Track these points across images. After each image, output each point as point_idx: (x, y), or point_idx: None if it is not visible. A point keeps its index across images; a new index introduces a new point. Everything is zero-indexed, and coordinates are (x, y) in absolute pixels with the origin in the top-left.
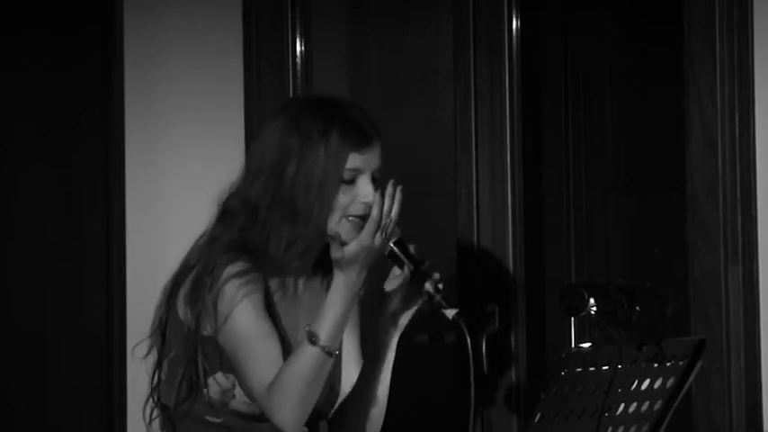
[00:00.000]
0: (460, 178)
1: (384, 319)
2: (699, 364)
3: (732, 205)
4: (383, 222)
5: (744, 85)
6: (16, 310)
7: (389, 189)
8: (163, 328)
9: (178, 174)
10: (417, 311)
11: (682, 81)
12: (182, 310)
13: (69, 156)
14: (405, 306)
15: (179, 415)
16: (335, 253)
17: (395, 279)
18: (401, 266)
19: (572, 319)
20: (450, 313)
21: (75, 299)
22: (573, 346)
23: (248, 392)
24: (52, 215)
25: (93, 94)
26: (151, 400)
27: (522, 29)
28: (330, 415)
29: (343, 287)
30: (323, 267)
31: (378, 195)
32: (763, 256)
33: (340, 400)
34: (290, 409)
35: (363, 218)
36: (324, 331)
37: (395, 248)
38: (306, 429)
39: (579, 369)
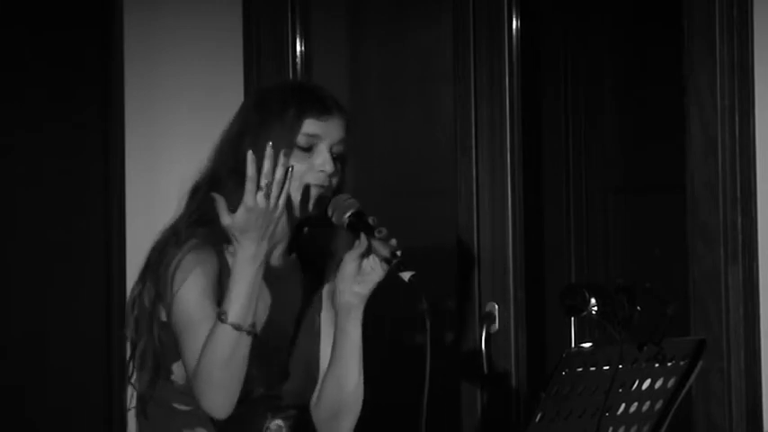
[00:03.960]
0: (460, 178)
1: (347, 291)
2: (699, 364)
3: (732, 205)
4: (265, 181)
5: (744, 85)
6: (16, 310)
7: (269, 150)
8: (136, 315)
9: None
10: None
11: (682, 81)
12: (146, 293)
13: (69, 156)
14: (366, 277)
15: (146, 400)
16: (224, 219)
17: (355, 249)
18: (359, 237)
19: (572, 319)
20: (407, 275)
21: (75, 299)
22: (573, 345)
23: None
24: (52, 215)
25: (93, 93)
26: (130, 388)
27: (522, 29)
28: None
29: (242, 260)
30: (300, 250)
31: (251, 154)
32: (763, 256)
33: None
34: (212, 393)
35: (323, 188)
36: (231, 308)
37: (352, 219)
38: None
39: (580, 369)
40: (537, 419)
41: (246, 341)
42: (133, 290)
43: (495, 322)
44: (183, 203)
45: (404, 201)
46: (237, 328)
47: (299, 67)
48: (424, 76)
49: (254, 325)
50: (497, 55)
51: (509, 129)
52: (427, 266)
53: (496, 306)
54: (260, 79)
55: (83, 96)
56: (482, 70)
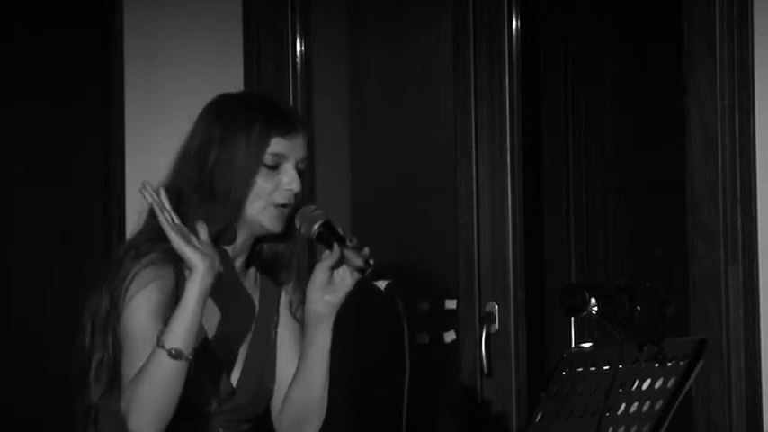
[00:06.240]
0: (460, 178)
1: (317, 301)
2: (699, 364)
3: (732, 205)
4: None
5: (744, 85)
6: (16, 310)
7: (148, 197)
8: (91, 325)
9: None
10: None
11: (682, 81)
12: (102, 304)
13: (69, 156)
14: (337, 287)
15: (97, 410)
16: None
17: (326, 259)
18: (330, 247)
19: (572, 319)
20: (383, 284)
21: (75, 299)
22: (573, 345)
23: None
24: (52, 215)
25: (93, 94)
26: (82, 400)
27: (522, 29)
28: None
29: (201, 291)
30: (259, 265)
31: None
32: (763, 256)
33: (277, 394)
34: (139, 416)
35: (288, 207)
36: (171, 334)
37: (322, 230)
38: None
39: (580, 369)
40: (537, 419)
41: (181, 368)
42: (90, 300)
43: (495, 322)
44: (143, 219)
45: (404, 201)
46: (176, 356)
47: (299, 67)
48: (424, 76)
49: (192, 352)
50: (497, 55)
51: (509, 129)
52: (427, 266)
53: (496, 306)
54: (260, 79)
55: (83, 96)
56: (482, 70)
